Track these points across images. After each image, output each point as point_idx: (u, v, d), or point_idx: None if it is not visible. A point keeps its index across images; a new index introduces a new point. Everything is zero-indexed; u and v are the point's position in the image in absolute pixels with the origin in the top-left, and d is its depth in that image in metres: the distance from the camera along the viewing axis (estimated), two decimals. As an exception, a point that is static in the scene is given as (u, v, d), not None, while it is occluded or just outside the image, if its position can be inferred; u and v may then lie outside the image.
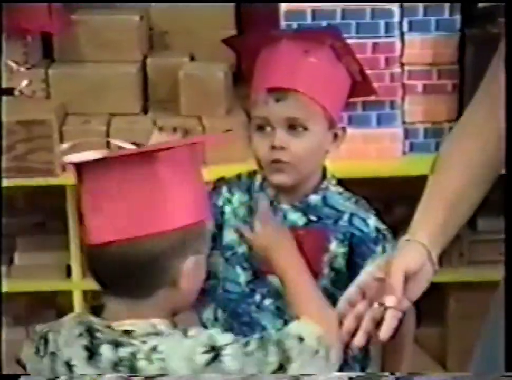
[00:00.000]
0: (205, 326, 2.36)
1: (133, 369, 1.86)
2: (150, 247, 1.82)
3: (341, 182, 2.41)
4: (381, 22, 3.20)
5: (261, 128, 2.27)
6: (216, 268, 2.36)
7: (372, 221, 2.37)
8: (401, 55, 3.24)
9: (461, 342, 3.36)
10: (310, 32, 2.75)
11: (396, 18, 3.20)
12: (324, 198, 2.37)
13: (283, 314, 2.35)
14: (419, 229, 1.99)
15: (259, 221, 2.20)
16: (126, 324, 1.87)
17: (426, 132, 3.28)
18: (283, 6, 3.24)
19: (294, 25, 3.22)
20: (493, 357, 2.19)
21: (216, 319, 2.43)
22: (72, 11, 3.40)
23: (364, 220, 2.36)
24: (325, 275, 2.36)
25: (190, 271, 1.85)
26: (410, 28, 3.22)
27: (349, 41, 2.99)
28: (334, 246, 2.34)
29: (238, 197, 2.42)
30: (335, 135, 2.31)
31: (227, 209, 2.41)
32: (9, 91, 3.32)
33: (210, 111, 3.29)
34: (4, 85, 3.35)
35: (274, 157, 2.26)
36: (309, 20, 3.23)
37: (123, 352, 1.85)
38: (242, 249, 2.33)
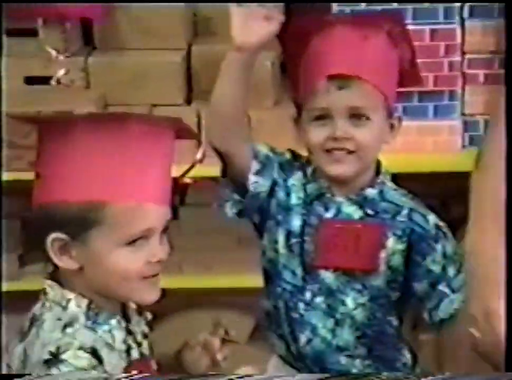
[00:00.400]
0: (268, 314, 2.39)
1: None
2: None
3: (394, 177, 2.38)
4: (441, 7, 3.15)
5: (319, 118, 2.24)
6: (278, 249, 2.34)
7: (432, 217, 2.35)
8: (462, 42, 3.18)
9: None
10: (367, 17, 2.77)
11: (457, 3, 3.17)
12: (381, 192, 2.34)
13: (335, 312, 2.35)
14: None
15: None
16: (47, 283, 1.90)
17: (487, 125, 3.09)
18: None
19: (347, 10, 3.12)
20: None
21: (276, 300, 2.41)
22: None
23: (424, 216, 2.33)
24: (380, 273, 2.33)
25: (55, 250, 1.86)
26: (471, 14, 3.17)
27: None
28: (392, 242, 2.31)
29: (293, 181, 2.37)
30: (392, 126, 2.31)
31: (285, 193, 2.37)
32: (45, 80, 3.26)
33: (257, 102, 3.19)
34: (41, 73, 3.28)
35: (334, 147, 2.22)
36: (363, 4, 3.12)
37: (36, 307, 1.90)
38: (307, 237, 2.30)
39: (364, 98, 2.24)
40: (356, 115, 2.23)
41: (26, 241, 3.59)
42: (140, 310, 2.06)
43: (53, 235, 1.85)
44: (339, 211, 2.34)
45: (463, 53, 3.21)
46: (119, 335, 1.95)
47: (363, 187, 2.33)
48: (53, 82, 3.31)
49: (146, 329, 2.06)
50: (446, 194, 3.51)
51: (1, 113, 3.26)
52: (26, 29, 3.34)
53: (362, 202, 2.33)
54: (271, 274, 2.42)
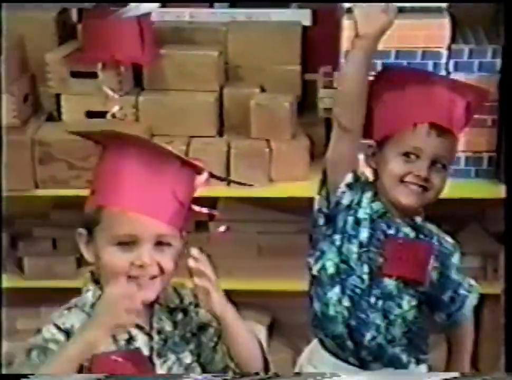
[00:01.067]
0: (326, 305, 2.41)
1: None
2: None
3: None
4: (430, 63, 3.20)
5: (407, 155, 2.29)
6: (349, 257, 2.39)
7: (449, 238, 2.46)
8: None
9: (492, 347, 3.37)
10: (459, 83, 2.69)
11: (444, 60, 3.21)
12: (424, 221, 2.42)
13: (390, 314, 2.42)
14: None
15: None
16: (85, 276, 2.01)
17: (467, 160, 3.29)
18: (344, 47, 3.18)
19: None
20: None
21: (339, 302, 2.43)
22: (160, 45, 3.44)
23: (444, 238, 2.44)
24: (427, 283, 2.42)
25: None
26: (456, 69, 3.23)
27: None
28: (432, 260, 2.40)
29: (365, 200, 2.42)
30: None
31: (358, 208, 2.41)
32: (103, 114, 3.37)
33: (277, 135, 3.34)
34: (99, 109, 3.39)
35: (413, 182, 2.28)
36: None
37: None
38: (373, 248, 2.35)
39: (449, 150, 2.32)
40: (437, 162, 2.30)
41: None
42: (172, 308, 2.03)
43: (78, 230, 1.96)
44: (398, 230, 2.39)
45: None
46: None
47: (413, 214, 2.40)
48: (108, 116, 3.40)
49: (168, 327, 2.01)
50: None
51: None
52: (87, 72, 3.39)
53: (414, 225, 2.40)
54: (332, 280, 2.44)
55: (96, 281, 1.98)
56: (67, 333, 1.91)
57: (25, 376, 1.93)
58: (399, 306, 2.44)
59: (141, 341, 1.97)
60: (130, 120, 3.44)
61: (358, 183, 2.43)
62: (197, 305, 2.04)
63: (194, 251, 1.89)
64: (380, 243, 2.36)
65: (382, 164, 2.36)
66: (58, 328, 1.92)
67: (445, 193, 3.12)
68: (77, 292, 3.26)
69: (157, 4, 3.43)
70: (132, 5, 3.31)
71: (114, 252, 1.91)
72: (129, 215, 1.89)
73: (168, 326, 2.01)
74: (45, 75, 3.46)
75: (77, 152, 3.24)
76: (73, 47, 3.50)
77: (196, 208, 2.00)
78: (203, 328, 2.04)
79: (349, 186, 2.42)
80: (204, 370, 2.05)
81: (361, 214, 2.42)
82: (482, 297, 3.41)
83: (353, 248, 2.39)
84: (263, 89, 3.49)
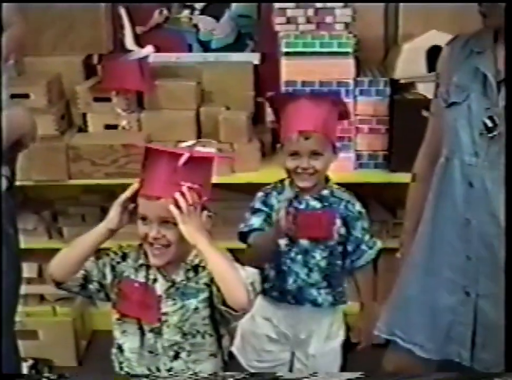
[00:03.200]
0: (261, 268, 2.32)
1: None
2: None
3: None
4: (343, 89, 3.25)
5: (292, 155, 2.40)
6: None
7: (357, 205, 2.54)
8: (355, 109, 3.29)
9: (388, 287, 3.46)
10: (320, 94, 2.89)
11: (351, 87, 3.26)
12: (331, 192, 2.51)
13: (308, 263, 2.47)
14: None
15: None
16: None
17: (369, 156, 3.38)
18: (284, 77, 3.26)
19: (290, 90, 3.22)
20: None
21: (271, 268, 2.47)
22: (155, 78, 3.49)
23: (353, 204, 2.53)
24: (334, 238, 2.50)
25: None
26: (360, 93, 3.30)
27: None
28: (338, 221, 2.49)
29: (281, 198, 2.48)
30: (335, 153, 2.48)
31: (276, 205, 2.45)
32: (116, 127, 3.45)
33: (238, 139, 3.39)
34: (113, 123, 3.45)
35: (302, 172, 2.40)
36: (298, 86, 3.24)
37: None
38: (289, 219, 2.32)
39: (319, 144, 2.40)
40: (315, 153, 2.40)
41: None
42: (189, 266, 1.97)
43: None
44: (307, 204, 2.47)
45: (356, 115, 3.30)
46: (141, 261, 1.98)
47: (321, 190, 2.48)
48: (120, 128, 3.46)
49: (180, 278, 1.96)
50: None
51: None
52: (105, 98, 3.47)
53: (320, 198, 2.48)
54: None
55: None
56: (124, 257, 1.98)
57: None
58: (313, 257, 2.50)
59: (159, 284, 1.97)
60: (135, 130, 3.47)
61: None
62: None
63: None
64: (294, 216, 2.34)
65: (283, 162, 2.45)
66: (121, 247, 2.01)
67: (353, 179, 3.23)
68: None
69: (152, 50, 3.56)
70: (135, 51, 3.46)
71: (140, 224, 1.93)
72: (143, 199, 1.90)
73: (181, 281, 1.98)
74: (76, 100, 3.53)
75: (98, 153, 3.31)
76: (95, 80, 3.57)
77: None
78: (212, 280, 1.95)
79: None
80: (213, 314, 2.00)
81: (282, 197, 2.49)
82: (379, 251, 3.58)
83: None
84: (228, 108, 3.52)
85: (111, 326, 3.25)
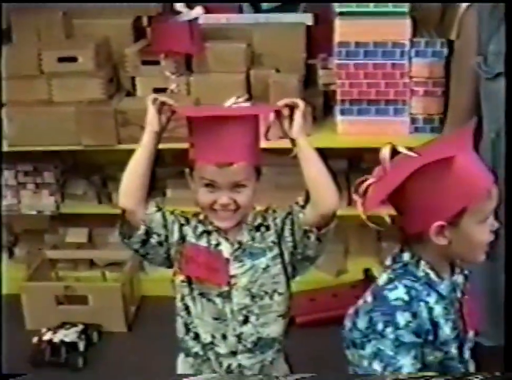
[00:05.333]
0: None
1: None
2: None
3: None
4: (397, 50, 3.21)
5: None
6: None
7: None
8: (410, 71, 3.24)
9: None
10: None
11: (407, 48, 3.20)
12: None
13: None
14: None
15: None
16: None
17: (425, 120, 3.31)
18: (337, 38, 3.22)
19: (343, 51, 3.20)
20: None
21: None
22: (205, 40, 3.48)
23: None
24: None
25: None
26: (416, 55, 3.22)
27: (376, 61, 3.20)
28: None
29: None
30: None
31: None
32: (164, 90, 3.40)
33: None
34: (162, 86, 3.42)
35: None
36: (352, 47, 3.19)
37: None
38: None
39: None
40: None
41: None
42: (253, 226, 1.93)
43: (186, 170, 1.93)
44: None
45: (411, 77, 3.24)
46: (200, 229, 1.93)
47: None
48: (168, 91, 3.40)
49: (245, 239, 1.92)
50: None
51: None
52: (154, 61, 3.46)
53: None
54: None
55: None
56: (187, 220, 1.96)
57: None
58: None
59: (224, 247, 1.93)
60: (184, 93, 3.45)
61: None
62: (275, 219, 1.95)
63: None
64: None
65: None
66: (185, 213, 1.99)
67: (408, 143, 3.17)
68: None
69: (202, 12, 3.49)
70: (184, 13, 3.39)
71: (203, 192, 1.88)
72: (213, 167, 1.85)
73: (247, 241, 1.95)
74: (124, 64, 3.52)
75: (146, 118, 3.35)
76: (143, 43, 3.56)
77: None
78: (280, 236, 1.94)
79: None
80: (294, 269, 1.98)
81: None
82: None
83: None
84: (278, 70, 3.49)
85: (160, 292, 3.33)
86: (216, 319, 1.99)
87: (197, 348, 2.01)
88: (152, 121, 1.88)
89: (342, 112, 3.34)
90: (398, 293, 1.62)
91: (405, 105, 3.31)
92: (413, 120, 3.34)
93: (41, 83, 3.41)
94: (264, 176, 2.02)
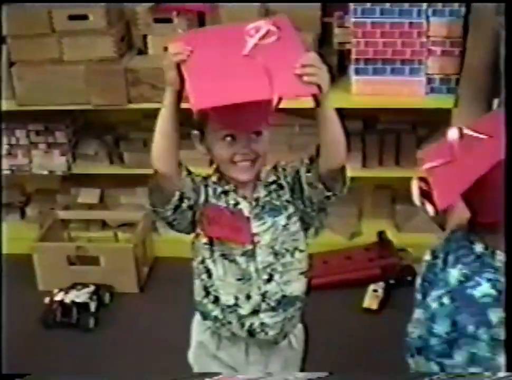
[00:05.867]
0: None
1: None
2: None
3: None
4: (414, 9, 3.15)
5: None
6: None
7: None
8: (427, 30, 3.18)
9: None
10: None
11: (424, 7, 3.14)
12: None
13: None
14: None
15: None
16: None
17: (441, 80, 3.26)
18: None
19: (359, 9, 3.15)
20: None
21: None
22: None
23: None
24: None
25: None
26: (433, 14, 3.16)
27: (393, 20, 3.16)
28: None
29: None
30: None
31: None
32: None
33: None
34: None
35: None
36: (368, 5, 3.14)
37: None
38: None
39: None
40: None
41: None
42: (269, 182, 1.93)
43: (193, 132, 1.90)
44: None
45: (428, 37, 3.18)
46: (219, 189, 1.91)
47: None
48: None
49: (262, 194, 1.92)
50: (415, 122, 3.53)
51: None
52: (166, 19, 3.40)
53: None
54: None
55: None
56: (205, 178, 1.93)
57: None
58: None
59: (243, 206, 1.93)
60: None
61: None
62: (285, 177, 1.95)
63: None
64: None
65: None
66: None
67: (424, 104, 3.25)
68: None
69: None
70: None
71: (222, 146, 1.86)
72: (227, 117, 1.82)
73: (264, 196, 1.95)
74: (136, 22, 3.47)
75: (158, 76, 3.16)
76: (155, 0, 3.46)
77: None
78: (293, 194, 1.94)
79: None
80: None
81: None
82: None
83: None
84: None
85: (173, 253, 3.37)
86: (239, 279, 1.97)
87: (216, 311, 2.00)
88: (173, 80, 1.78)
89: (357, 72, 3.30)
90: (483, 289, 1.51)
91: (421, 65, 3.26)
92: (429, 80, 3.30)
93: (52, 41, 3.38)
94: (277, 137, 1.97)
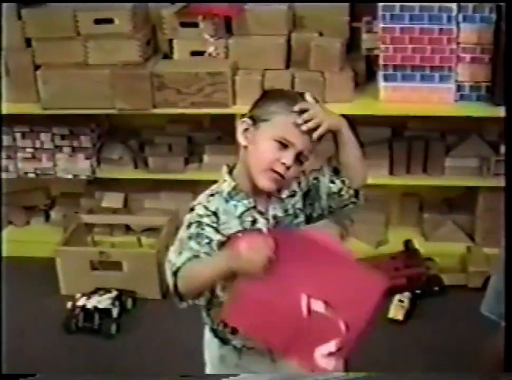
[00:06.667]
0: None
1: None
2: None
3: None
4: (444, 15, 3.12)
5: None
6: None
7: None
8: (457, 37, 3.15)
9: (487, 227, 3.37)
10: None
11: (454, 13, 3.11)
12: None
13: None
14: None
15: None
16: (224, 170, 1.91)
17: (470, 88, 3.23)
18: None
19: (387, 15, 3.13)
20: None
21: None
22: (244, 2, 3.40)
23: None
24: None
25: None
26: (464, 20, 3.14)
27: (422, 26, 3.13)
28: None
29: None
30: None
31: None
32: (202, 53, 3.38)
33: (329, 68, 3.27)
34: (200, 49, 3.38)
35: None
36: (397, 10, 3.12)
37: None
38: None
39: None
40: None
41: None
42: (284, 198, 1.91)
43: (245, 119, 1.86)
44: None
45: (458, 43, 3.15)
46: (241, 209, 1.86)
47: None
48: (206, 55, 3.38)
49: (279, 213, 1.90)
50: (444, 129, 3.50)
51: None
52: (192, 23, 3.39)
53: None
54: None
55: (230, 172, 1.89)
56: (215, 214, 1.84)
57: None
58: None
59: (261, 224, 1.88)
60: (222, 57, 3.40)
61: None
62: (299, 183, 1.94)
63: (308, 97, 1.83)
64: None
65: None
66: (207, 208, 1.83)
67: (453, 111, 3.22)
68: (185, 182, 3.27)
69: None
70: None
71: (270, 146, 1.82)
72: (292, 126, 1.81)
73: (280, 213, 1.92)
74: (162, 26, 3.46)
75: (183, 81, 3.25)
76: (182, 4, 3.46)
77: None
78: (306, 197, 1.94)
79: None
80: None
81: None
82: (478, 190, 3.48)
83: None
84: (320, 34, 3.41)
85: None
86: None
87: (235, 341, 1.97)
88: (255, 273, 1.68)
89: (386, 78, 3.27)
90: None
91: (451, 72, 3.23)
92: (459, 87, 3.27)
93: (77, 45, 3.37)
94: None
